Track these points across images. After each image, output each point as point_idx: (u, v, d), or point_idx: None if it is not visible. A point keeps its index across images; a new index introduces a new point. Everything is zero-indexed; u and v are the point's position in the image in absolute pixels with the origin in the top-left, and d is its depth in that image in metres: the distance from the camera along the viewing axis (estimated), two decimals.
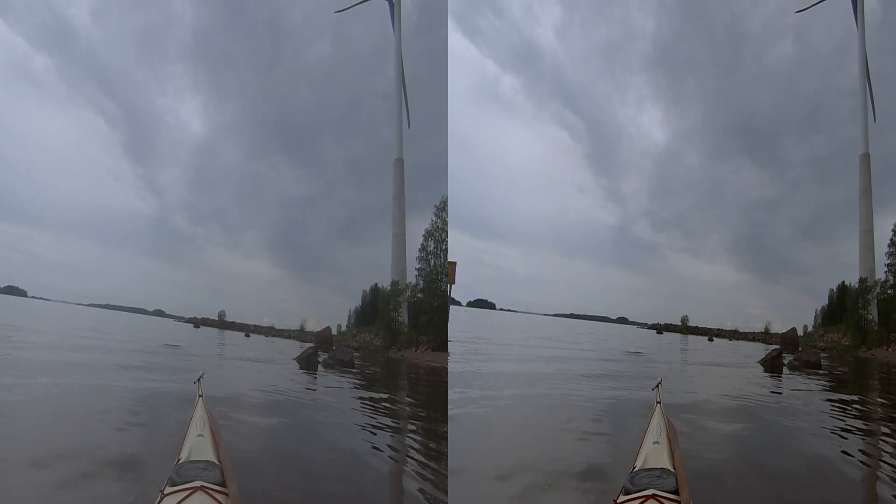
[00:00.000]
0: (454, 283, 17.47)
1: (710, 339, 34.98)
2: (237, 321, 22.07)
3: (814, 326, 23.85)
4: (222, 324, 23.47)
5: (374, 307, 16.06)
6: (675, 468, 1.70)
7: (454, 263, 17.40)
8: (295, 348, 13.48)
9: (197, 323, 23.50)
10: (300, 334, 15.07)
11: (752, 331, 46.60)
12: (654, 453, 1.88)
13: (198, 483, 1.60)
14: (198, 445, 1.86)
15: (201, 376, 2.53)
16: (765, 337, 41.69)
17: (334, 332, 16.52)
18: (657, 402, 2.33)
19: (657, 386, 2.49)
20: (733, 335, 45.60)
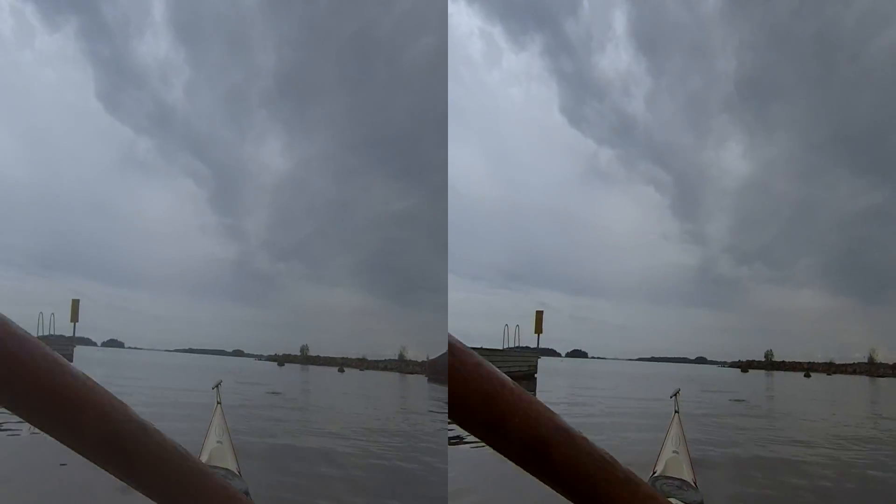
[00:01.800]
0: (542, 331, 16.95)
1: (807, 375, 32.52)
2: (321, 355, 21.55)
3: None
4: (305, 359, 22.94)
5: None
6: (694, 482, 1.66)
7: (541, 312, 16.90)
8: (412, 384, 12.03)
9: (280, 361, 22.95)
10: (400, 364, 13.60)
11: (850, 361, 43.30)
12: (673, 462, 1.83)
13: None
14: (217, 452, 1.84)
15: (220, 383, 2.55)
16: (870, 368, 38.59)
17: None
18: (675, 412, 2.25)
19: (675, 394, 2.38)
20: (829, 368, 42.51)
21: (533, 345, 17.70)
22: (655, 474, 1.74)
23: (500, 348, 16.07)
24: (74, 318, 17.44)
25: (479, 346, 14.21)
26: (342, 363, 18.54)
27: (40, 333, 15.49)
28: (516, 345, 16.80)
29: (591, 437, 0.25)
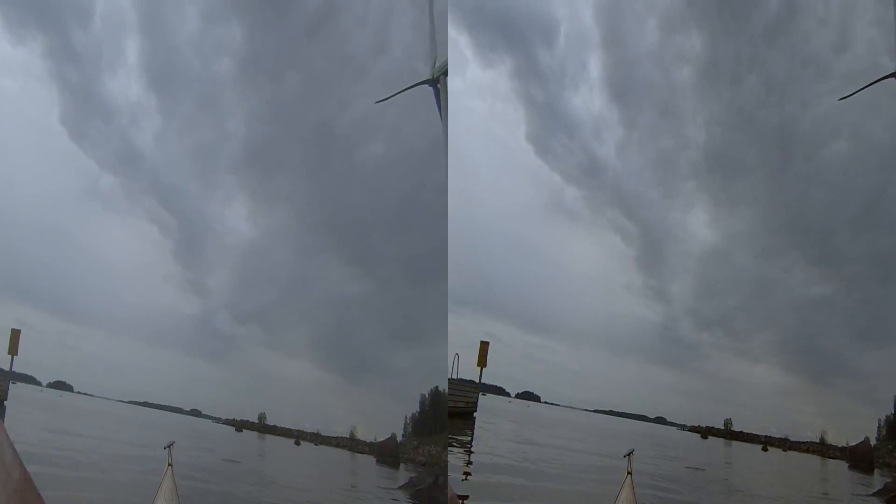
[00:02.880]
0: (485, 365, 16.31)
1: (765, 449, 32.97)
2: (279, 425, 21.51)
3: (877, 439, 22.26)
4: (263, 427, 22.96)
5: (436, 414, 15.45)
6: None
7: (487, 343, 16.38)
8: (362, 464, 12.05)
9: (238, 426, 23.02)
10: (351, 443, 13.89)
11: (803, 440, 43.93)
12: None
13: None
14: None
15: (172, 444, 2.59)
16: (821, 448, 39.17)
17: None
18: (628, 473, 2.36)
19: (629, 454, 2.47)
20: (784, 444, 43.06)
21: (476, 378, 17.08)
22: None
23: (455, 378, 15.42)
24: (13, 349, 15.61)
25: None
26: (297, 436, 18.44)
27: None
28: (455, 376, 16.29)
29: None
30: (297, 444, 15.64)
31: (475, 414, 17.06)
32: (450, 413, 14.20)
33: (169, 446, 2.55)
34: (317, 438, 18.99)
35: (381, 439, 16.95)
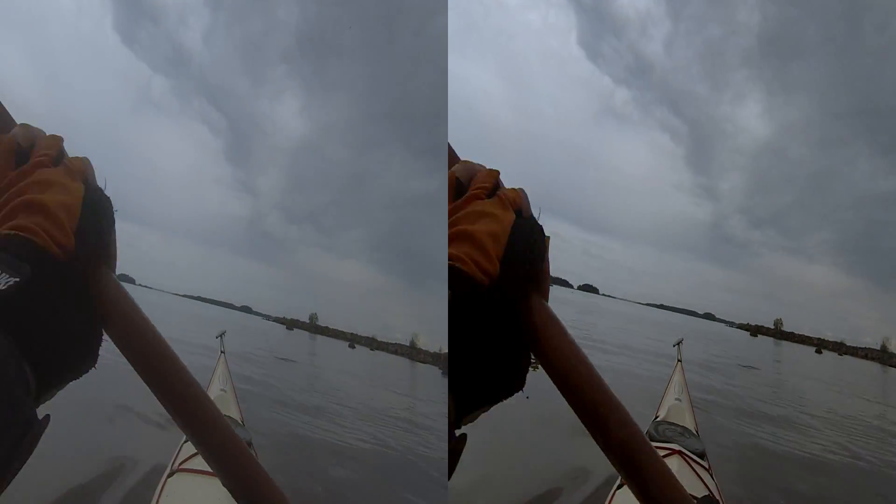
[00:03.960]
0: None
1: (819, 352, 32.29)
2: (330, 326, 21.16)
3: None
4: (314, 327, 22.60)
5: None
6: (696, 430, 1.66)
7: (547, 238, 16.59)
8: (423, 373, 11.56)
9: (289, 325, 22.76)
10: (411, 351, 13.10)
11: (861, 345, 42.89)
12: (675, 409, 1.80)
13: None
14: (220, 401, 1.77)
15: (223, 333, 2.57)
16: (882, 356, 38.13)
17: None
18: (678, 361, 2.24)
19: (678, 343, 2.38)
20: (840, 349, 42.22)
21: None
22: (658, 418, 1.75)
23: None
24: None
25: None
26: (351, 339, 18.24)
27: None
28: None
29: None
30: (352, 346, 14.74)
31: None
32: None
33: (221, 335, 2.18)
34: (372, 343, 18.16)
35: (446, 351, 16.62)
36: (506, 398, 0.26)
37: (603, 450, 0.27)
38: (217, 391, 1.95)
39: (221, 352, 2.38)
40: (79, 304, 0.25)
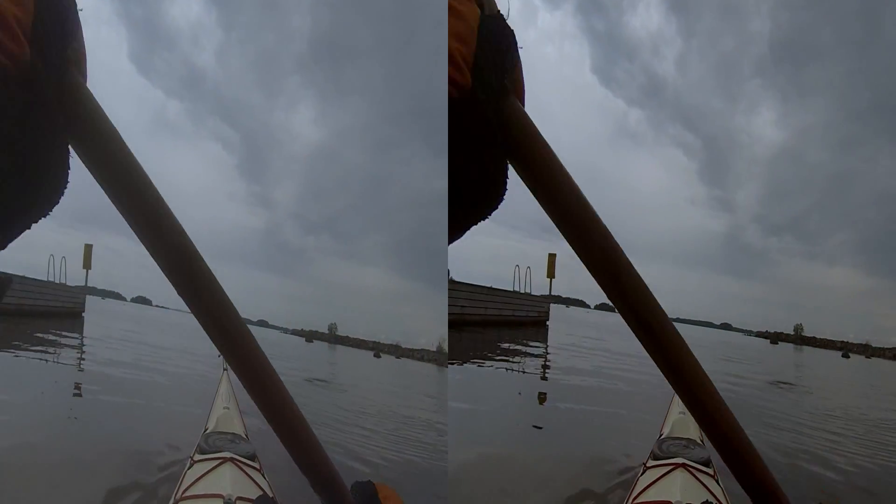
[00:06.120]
0: (554, 276, 16.22)
1: (846, 356, 31.51)
2: (350, 335, 20.87)
3: None
4: (334, 338, 22.43)
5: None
6: (701, 440, 1.70)
7: (554, 255, 16.18)
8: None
9: (308, 337, 22.52)
10: (438, 356, 12.62)
11: (888, 346, 41.89)
12: (680, 423, 1.84)
13: (227, 454, 1.65)
14: (224, 417, 1.86)
15: None
16: None
17: None
18: None
19: None
20: (867, 350, 41.23)
21: (556, 291, 16.57)
22: (662, 437, 1.75)
23: (508, 290, 14.88)
24: (87, 264, 15.44)
25: (486, 285, 13.31)
26: (374, 347, 17.89)
27: (50, 279, 14.46)
28: (525, 289, 15.90)
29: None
30: (377, 356, 13.92)
31: (548, 323, 16.44)
32: (522, 322, 13.71)
33: None
34: (397, 351, 17.86)
35: None
36: (489, 211, 0.25)
37: (581, 258, 0.27)
38: (220, 409, 1.94)
39: (224, 369, 2.30)
40: (44, 123, 0.21)
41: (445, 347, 13.49)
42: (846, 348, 41.48)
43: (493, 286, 14.16)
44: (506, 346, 8.92)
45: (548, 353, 9.14)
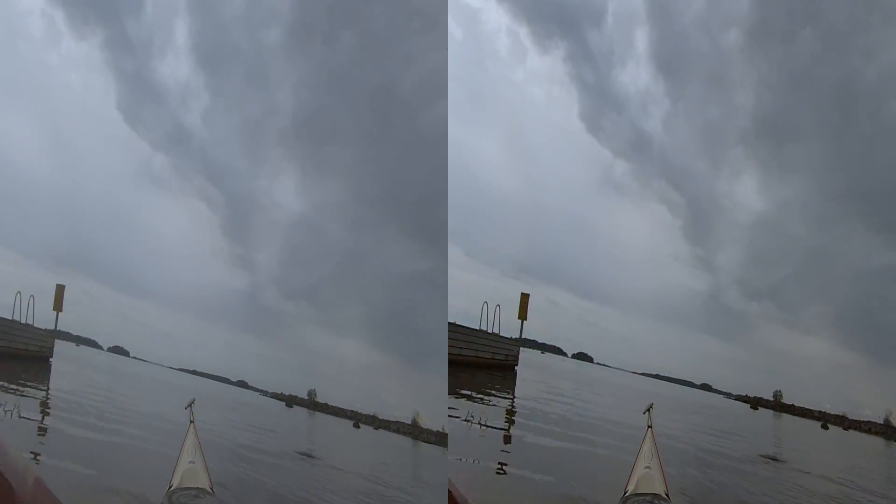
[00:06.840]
0: (525, 318, 15.44)
1: (825, 427, 31.64)
2: (329, 403, 20.90)
3: None
4: (313, 404, 22.44)
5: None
6: (667, 494, 1.82)
7: (527, 295, 15.50)
8: (426, 453, 11.06)
9: (288, 401, 22.59)
10: (413, 430, 12.88)
11: (862, 419, 42.25)
12: (645, 478, 1.93)
13: None
14: (189, 472, 1.91)
15: (193, 401, 2.44)
16: (886, 430, 37.48)
17: None
18: (648, 427, 2.15)
19: (648, 410, 2.32)
20: (843, 422, 41.57)
21: (532, 335, 16.00)
22: (626, 494, 1.80)
23: (474, 328, 14.29)
24: (58, 306, 14.44)
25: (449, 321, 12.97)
26: (353, 416, 17.84)
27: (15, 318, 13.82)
28: (494, 329, 15.37)
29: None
30: (356, 426, 14.54)
31: (516, 367, 16.10)
32: (489, 364, 13.61)
33: (190, 404, 2.17)
34: (374, 422, 18.13)
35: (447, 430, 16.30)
36: None
37: None
38: (186, 464, 1.94)
39: (191, 421, 2.29)
40: None
41: (420, 421, 13.60)
42: (824, 418, 41.54)
43: (459, 322, 13.77)
44: (466, 392, 8.48)
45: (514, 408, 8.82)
